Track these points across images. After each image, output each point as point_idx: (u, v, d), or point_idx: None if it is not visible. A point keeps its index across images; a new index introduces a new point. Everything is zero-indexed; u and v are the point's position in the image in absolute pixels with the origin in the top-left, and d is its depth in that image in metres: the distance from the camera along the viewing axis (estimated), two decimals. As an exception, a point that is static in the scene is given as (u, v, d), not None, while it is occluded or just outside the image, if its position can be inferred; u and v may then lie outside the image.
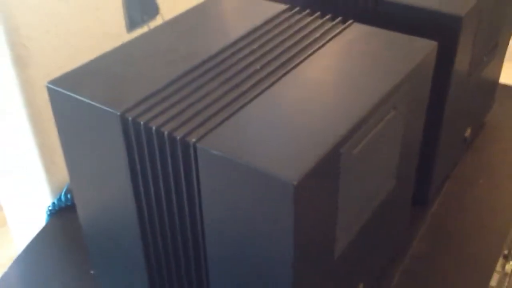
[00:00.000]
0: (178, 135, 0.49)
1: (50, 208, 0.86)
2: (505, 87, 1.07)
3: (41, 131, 0.84)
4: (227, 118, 0.51)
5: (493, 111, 1.00)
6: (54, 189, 0.88)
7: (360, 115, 0.51)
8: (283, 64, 0.58)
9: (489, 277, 0.71)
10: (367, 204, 0.59)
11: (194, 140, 0.48)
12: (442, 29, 0.67)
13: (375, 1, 0.71)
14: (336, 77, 0.57)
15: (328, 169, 0.48)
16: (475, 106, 0.89)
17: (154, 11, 0.92)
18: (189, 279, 0.59)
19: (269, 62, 0.58)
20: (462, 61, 0.73)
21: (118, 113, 0.51)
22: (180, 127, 0.50)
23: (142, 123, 0.50)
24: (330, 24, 0.65)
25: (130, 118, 0.51)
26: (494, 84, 0.96)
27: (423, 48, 0.60)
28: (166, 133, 0.49)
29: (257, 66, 0.58)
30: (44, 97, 0.80)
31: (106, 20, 0.87)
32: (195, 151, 0.48)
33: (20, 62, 0.77)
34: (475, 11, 0.70)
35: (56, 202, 0.86)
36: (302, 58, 0.59)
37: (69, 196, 0.86)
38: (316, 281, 0.55)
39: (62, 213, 0.85)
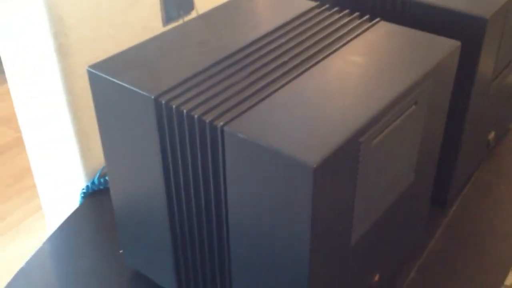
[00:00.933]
0: (207, 119, 0.52)
1: (84, 190, 0.90)
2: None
3: (78, 118, 0.88)
4: (253, 105, 0.54)
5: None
6: (88, 173, 0.92)
7: (380, 107, 0.53)
8: (309, 58, 0.61)
9: (504, 276, 0.72)
10: (385, 196, 0.62)
11: (221, 123, 0.51)
12: (466, 31, 0.69)
13: (402, 2, 0.73)
14: (360, 71, 0.59)
15: (347, 156, 0.51)
16: (499, 111, 0.90)
17: (189, 6, 0.96)
18: (211, 259, 0.62)
19: (296, 55, 0.61)
20: (486, 64, 0.74)
21: (153, 97, 0.55)
22: (209, 111, 0.53)
23: (174, 106, 0.54)
24: (357, 22, 0.67)
25: (163, 102, 0.54)
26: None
27: (446, 47, 0.62)
28: (196, 116, 0.53)
29: (285, 58, 0.61)
30: (82, 85, 0.84)
31: (143, 14, 0.91)
32: (222, 134, 0.51)
33: (62, 50, 0.82)
34: (501, 14, 0.71)
35: (89, 185, 0.90)
36: (328, 52, 0.62)
37: (102, 180, 0.90)
38: (333, 267, 0.57)
39: (95, 196, 0.89)
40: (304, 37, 0.64)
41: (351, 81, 0.58)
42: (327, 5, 0.70)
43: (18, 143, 1.96)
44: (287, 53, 0.62)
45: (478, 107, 0.79)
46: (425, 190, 0.73)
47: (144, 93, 0.55)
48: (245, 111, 0.53)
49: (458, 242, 0.80)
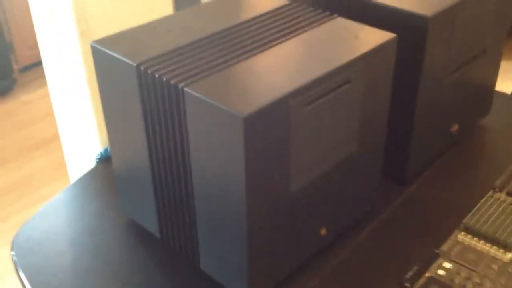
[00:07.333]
0: (172, 81, 0.67)
1: (98, 157, 1.06)
2: None
3: (96, 93, 1.05)
4: (212, 73, 0.68)
5: (496, 117, 1.12)
6: (102, 142, 1.08)
7: (310, 78, 0.66)
8: (270, 41, 0.75)
9: (442, 242, 0.84)
10: (326, 156, 0.74)
11: (182, 85, 0.66)
12: (412, 27, 0.81)
13: (363, 3, 0.86)
14: (305, 53, 0.73)
15: (277, 114, 0.64)
16: (462, 106, 1.01)
17: (197, 2, 1.11)
18: (181, 202, 0.76)
19: (260, 39, 0.75)
20: (433, 60, 0.86)
21: (135, 64, 0.70)
22: (176, 76, 0.68)
23: (149, 72, 0.69)
24: (318, 16, 0.81)
25: (142, 68, 0.69)
26: (488, 90, 1.07)
27: (381, 38, 0.74)
28: (164, 79, 0.67)
29: (249, 41, 0.75)
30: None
31: (156, 11, 1.07)
32: (182, 93, 0.66)
33: (84, 36, 0.99)
34: (447, 14, 0.83)
35: (103, 152, 1.06)
36: (285, 38, 0.76)
37: (113, 148, 1.06)
38: (273, 212, 0.70)
39: (108, 162, 1.05)
40: (269, 26, 0.79)
41: (295, 60, 0.71)
42: (296, 3, 0.84)
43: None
44: (252, 37, 0.76)
45: (430, 98, 0.90)
46: (373, 162, 0.85)
47: (129, 61, 0.71)
48: (204, 77, 0.67)
49: (409, 212, 0.91)
